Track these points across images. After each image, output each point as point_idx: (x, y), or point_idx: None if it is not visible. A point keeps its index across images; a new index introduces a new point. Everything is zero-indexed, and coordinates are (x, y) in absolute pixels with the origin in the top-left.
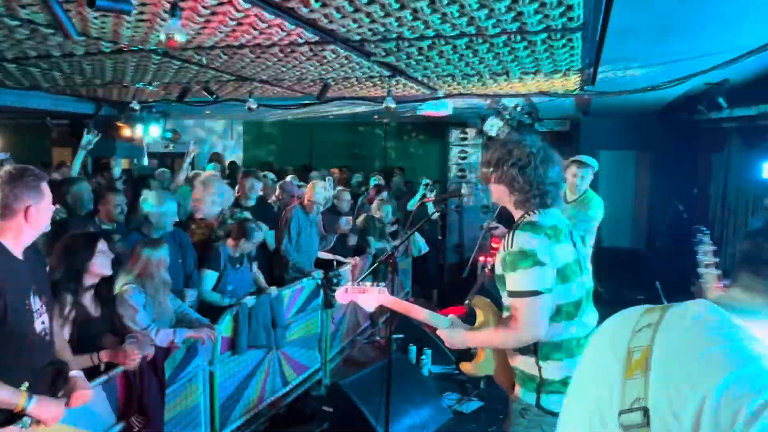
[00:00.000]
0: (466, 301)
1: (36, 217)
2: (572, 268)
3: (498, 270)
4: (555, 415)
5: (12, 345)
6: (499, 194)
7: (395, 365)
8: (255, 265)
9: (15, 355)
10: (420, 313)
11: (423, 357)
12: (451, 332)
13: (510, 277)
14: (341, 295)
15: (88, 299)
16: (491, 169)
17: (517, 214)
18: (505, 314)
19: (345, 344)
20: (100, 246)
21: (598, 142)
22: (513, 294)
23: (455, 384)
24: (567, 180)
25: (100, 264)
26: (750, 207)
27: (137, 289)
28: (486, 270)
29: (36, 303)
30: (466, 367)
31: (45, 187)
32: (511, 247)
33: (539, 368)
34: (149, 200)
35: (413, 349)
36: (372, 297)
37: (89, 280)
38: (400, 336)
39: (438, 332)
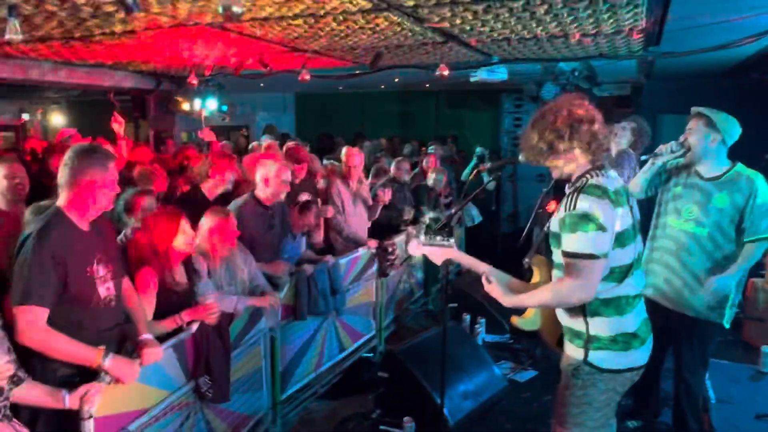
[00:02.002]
0: (525, 260)
1: (100, 193)
2: (629, 233)
3: (554, 228)
4: (605, 371)
5: (75, 309)
6: (573, 163)
7: (449, 333)
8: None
9: (79, 318)
10: (483, 268)
11: (477, 326)
12: (506, 292)
13: (568, 237)
14: (413, 248)
15: (176, 272)
16: (564, 139)
17: (577, 173)
18: (556, 272)
19: (399, 312)
20: (184, 225)
21: (660, 106)
22: (569, 255)
23: (509, 353)
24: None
25: (183, 241)
26: None
27: (200, 257)
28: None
29: (100, 271)
30: (515, 320)
31: (112, 165)
32: (574, 208)
33: (586, 324)
34: None
35: (467, 318)
36: (441, 250)
37: (175, 257)
38: (454, 305)
39: (492, 291)
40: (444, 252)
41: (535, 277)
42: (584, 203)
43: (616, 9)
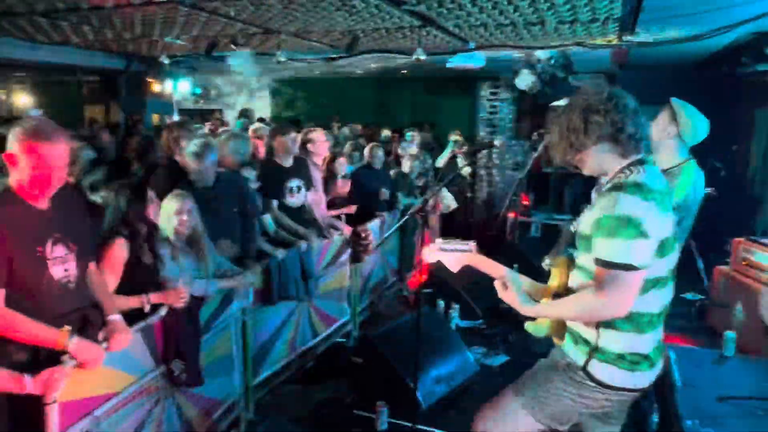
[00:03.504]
0: (547, 262)
1: (48, 171)
2: (671, 240)
3: (584, 230)
4: (598, 384)
5: (26, 291)
6: (601, 157)
7: (423, 319)
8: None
9: (31, 301)
10: (501, 272)
11: (451, 311)
12: (525, 300)
13: (603, 243)
14: (429, 254)
15: (143, 247)
16: (582, 134)
17: (613, 171)
18: (579, 275)
19: (373, 298)
20: (150, 194)
21: (634, 96)
22: (604, 263)
23: (482, 338)
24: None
25: (153, 213)
26: None
27: (164, 241)
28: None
29: (56, 251)
30: (528, 326)
31: (61, 141)
32: (614, 210)
33: (597, 334)
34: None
35: (441, 303)
36: (458, 255)
37: (142, 228)
38: (429, 290)
39: (508, 298)
40: (461, 257)
41: (554, 280)
42: (626, 204)
43: None
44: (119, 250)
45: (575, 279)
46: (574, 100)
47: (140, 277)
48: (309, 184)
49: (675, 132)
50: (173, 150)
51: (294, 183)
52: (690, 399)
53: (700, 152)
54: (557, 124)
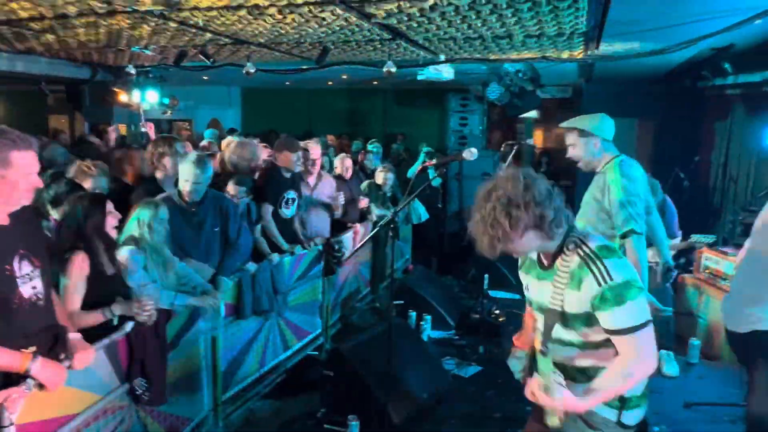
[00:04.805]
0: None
1: (13, 186)
2: None
3: (577, 309)
4: (629, 428)
5: None
6: (530, 243)
7: (395, 330)
8: (258, 231)
9: (2, 321)
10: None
11: (422, 323)
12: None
13: (616, 312)
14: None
15: (103, 259)
16: (507, 229)
17: (551, 247)
18: (565, 351)
19: (346, 310)
20: (109, 207)
21: (600, 109)
22: (625, 331)
23: (454, 349)
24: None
25: (111, 226)
26: (752, 175)
27: (135, 250)
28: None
29: (24, 268)
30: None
31: (23, 154)
32: (611, 278)
33: None
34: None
35: (413, 314)
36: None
37: (103, 241)
38: (401, 302)
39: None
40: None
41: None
42: (617, 270)
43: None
44: (80, 264)
45: (561, 351)
46: (493, 193)
47: (104, 288)
48: (299, 198)
49: (599, 141)
50: (155, 166)
51: (290, 195)
52: (656, 405)
53: (665, 164)
54: (480, 216)
